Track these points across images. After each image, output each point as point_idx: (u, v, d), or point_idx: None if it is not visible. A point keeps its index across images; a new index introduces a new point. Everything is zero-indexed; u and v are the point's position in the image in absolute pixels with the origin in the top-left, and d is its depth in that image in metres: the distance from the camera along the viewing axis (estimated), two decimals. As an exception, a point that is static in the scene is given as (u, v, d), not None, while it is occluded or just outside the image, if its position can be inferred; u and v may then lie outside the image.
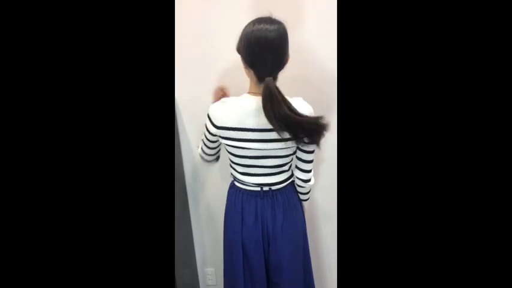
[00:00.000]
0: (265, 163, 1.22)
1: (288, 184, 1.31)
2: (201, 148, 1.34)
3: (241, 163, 1.24)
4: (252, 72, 1.12)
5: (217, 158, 1.40)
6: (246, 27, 1.09)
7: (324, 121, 1.08)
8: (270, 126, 1.10)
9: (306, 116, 1.08)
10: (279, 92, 1.07)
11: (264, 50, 1.05)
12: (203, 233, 1.87)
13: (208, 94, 1.60)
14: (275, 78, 1.12)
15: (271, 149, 1.17)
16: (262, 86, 1.08)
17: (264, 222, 1.28)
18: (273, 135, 1.13)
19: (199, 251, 1.90)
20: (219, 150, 1.36)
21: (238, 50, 1.12)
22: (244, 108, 1.14)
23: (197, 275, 1.92)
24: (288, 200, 1.30)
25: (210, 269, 1.92)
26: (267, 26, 1.05)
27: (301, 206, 1.39)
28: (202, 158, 1.38)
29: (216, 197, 1.69)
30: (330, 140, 1.57)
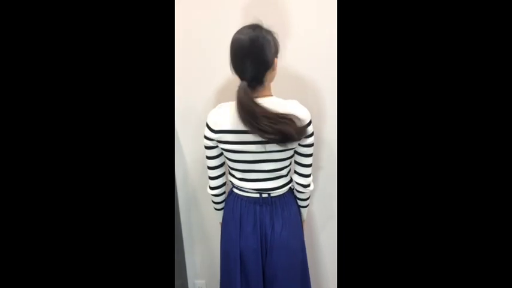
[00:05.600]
0: (263, 167, 1.20)
1: (286, 192, 1.29)
2: (208, 184, 1.32)
3: (240, 168, 1.22)
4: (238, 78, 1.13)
5: (224, 184, 1.33)
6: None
7: (298, 123, 1.08)
8: None
9: (276, 114, 1.08)
10: (249, 97, 1.07)
11: (239, 57, 1.08)
12: (194, 244, 1.82)
13: (203, 101, 1.54)
14: (261, 80, 1.11)
15: (268, 152, 1.15)
16: (250, 90, 1.10)
17: (263, 229, 1.25)
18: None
19: (190, 263, 1.85)
20: (223, 169, 1.30)
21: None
22: None
23: (187, 286, 1.87)
24: (287, 209, 1.28)
25: (200, 281, 1.87)
26: (241, 35, 1.08)
27: (300, 215, 1.37)
28: (212, 193, 1.32)
29: (208, 208, 1.65)
30: (328, 147, 1.55)
